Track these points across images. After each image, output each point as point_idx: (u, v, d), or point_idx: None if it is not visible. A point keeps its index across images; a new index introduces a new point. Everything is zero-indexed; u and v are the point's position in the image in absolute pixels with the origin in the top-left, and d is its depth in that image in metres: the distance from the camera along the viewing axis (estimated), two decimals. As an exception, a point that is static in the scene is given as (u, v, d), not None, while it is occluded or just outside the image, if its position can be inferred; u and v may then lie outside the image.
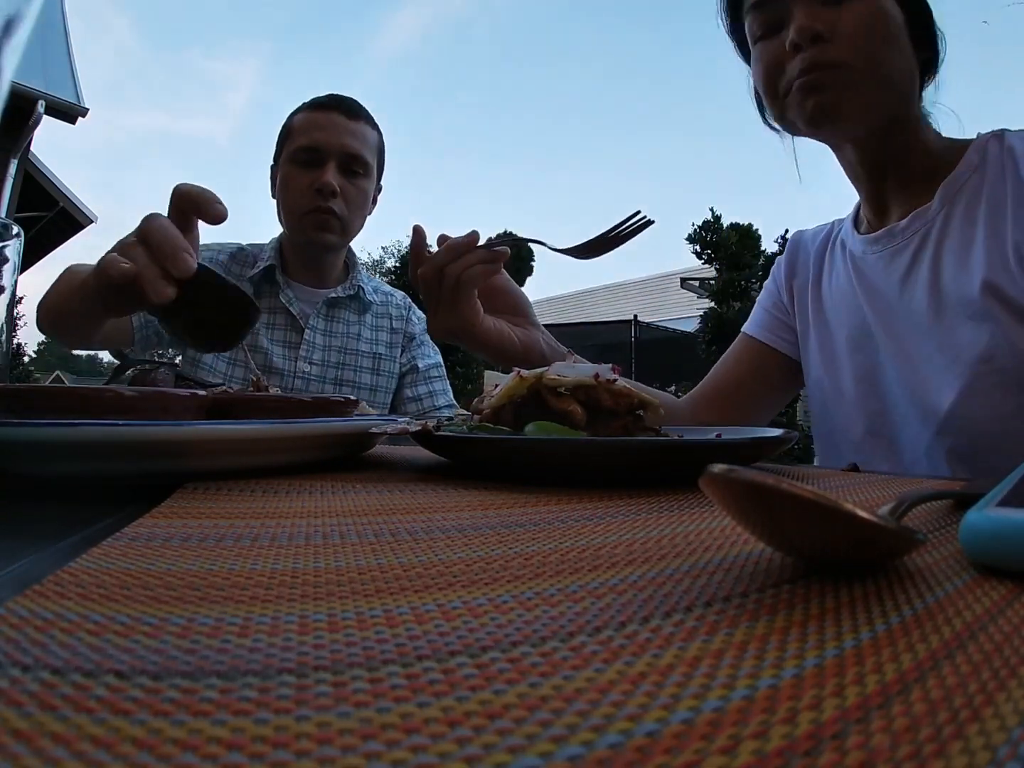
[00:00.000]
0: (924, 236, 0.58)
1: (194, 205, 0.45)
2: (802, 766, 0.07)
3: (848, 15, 0.53)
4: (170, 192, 0.46)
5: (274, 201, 0.99)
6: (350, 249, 1.05)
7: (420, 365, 1.05)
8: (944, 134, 0.61)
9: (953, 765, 0.07)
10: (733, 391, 0.72)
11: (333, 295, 0.98)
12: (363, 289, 1.01)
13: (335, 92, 0.98)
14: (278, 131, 0.99)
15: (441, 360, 1.10)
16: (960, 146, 0.59)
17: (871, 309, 0.62)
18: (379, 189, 1.03)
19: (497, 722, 0.08)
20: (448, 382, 1.10)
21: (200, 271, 0.44)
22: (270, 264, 0.97)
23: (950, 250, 0.56)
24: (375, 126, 0.98)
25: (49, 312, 0.71)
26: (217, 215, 0.46)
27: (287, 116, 0.98)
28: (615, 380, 0.37)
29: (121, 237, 0.46)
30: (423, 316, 1.09)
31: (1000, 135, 0.57)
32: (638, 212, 0.52)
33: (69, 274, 0.70)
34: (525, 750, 0.07)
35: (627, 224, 0.52)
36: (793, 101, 0.56)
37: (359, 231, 1.00)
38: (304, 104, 0.96)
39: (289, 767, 0.07)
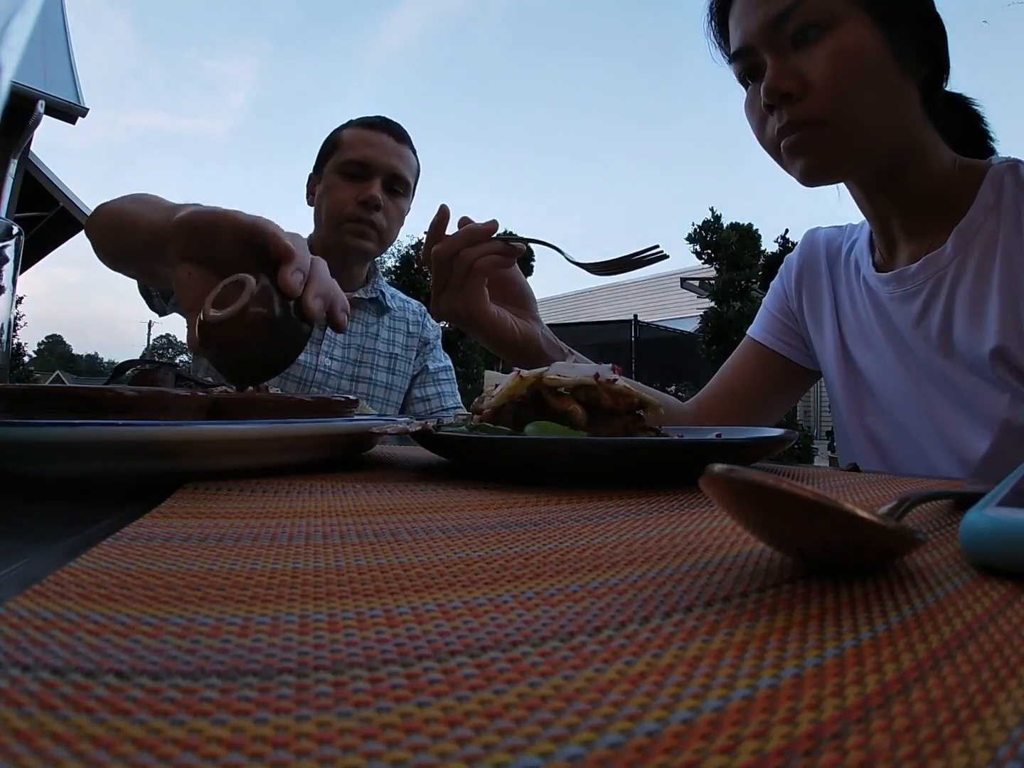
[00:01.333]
0: (937, 283, 0.55)
1: (327, 301, 0.42)
2: (802, 766, 0.07)
3: (817, 63, 0.49)
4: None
5: (309, 207, 1.04)
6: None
7: (430, 367, 1.10)
8: None
9: (953, 765, 0.07)
10: (740, 396, 0.71)
11: (356, 296, 1.03)
12: (383, 294, 1.07)
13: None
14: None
15: (451, 365, 1.15)
16: (974, 174, 0.55)
17: (891, 347, 0.60)
18: (408, 210, 1.09)
19: (497, 722, 0.08)
20: (457, 386, 1.14)
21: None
22: None
23: (962, 303, 0.53)
24: (415, 152, 1.05)
25: (103, 229, 0.62)
26: (338, 324, 0.44)
27: (333, 130, 1.04)
28: (615, 380, 0.37)
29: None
30: (436, 324, 1.15)
31: (1016, 167, 0.54)
32: (656, 246, 0.55)
33: (148, 200, 0.59)
34: (525, 750, 0.07)
35: (644, 254, 0.55)
36: (785, 160, 0.54)
37: (390, 245, 1.08)
38: (353, 121, 1.03)
39: (289, 767, 0.07)
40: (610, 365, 0.39)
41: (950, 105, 0.58)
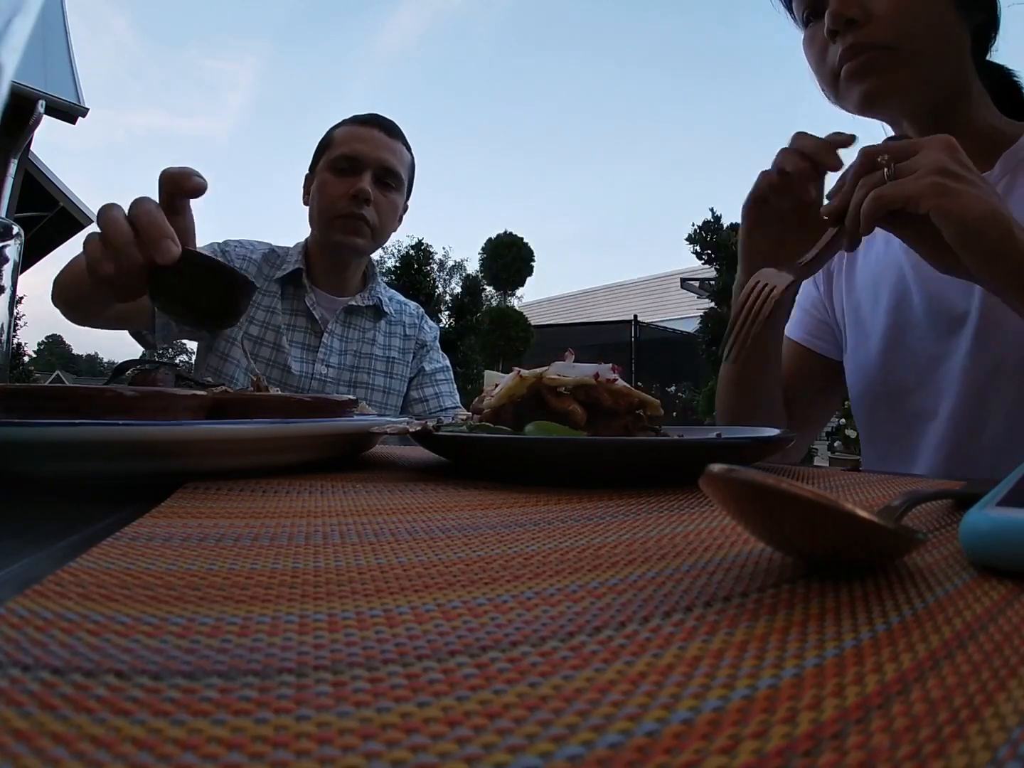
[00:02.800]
0: None
1: (174, 184, 0.48)
2: (802, 766, 0.07)
3: None
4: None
5: (305, 207, 1.03)
6: (371, 261, 1.09)
7: (427, 368, 1.09)
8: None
9: (953, 765, 0.07)
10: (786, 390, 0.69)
11: (352, 303, 1.02)
12: (381, 300, 1.06)
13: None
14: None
15: (449, 365, 1.13)
16: (1020, 128, 0.57)
17: (916, 277, 0.59)
18: (406, 208, 1.08)
19: (497, 722, 0.08)
20: (455, 386, 1.12)
21: (186, 254, 0.45)
22: (297, 268, 1.00)
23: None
24: (409, 148, 1.04)
25: (62, 289, 0.74)
26: (194, 187, 0.48)
27: (327, 129, 1.03)
28: (615, 380, 0.37)
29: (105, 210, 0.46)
30: (434, 326, 1.14)
31: None
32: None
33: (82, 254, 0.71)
34: (525, 750, 0.07)
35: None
36: (843, 87, 0.56)
37: (386, 241, 1.06)
38: (346, 119, 1.02)
39: (289, 767, 0.07)
40: (610, 365, 0.39)
41: (992, 73, 0.60)
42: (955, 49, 0.54)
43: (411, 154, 1.05)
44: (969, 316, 0.55)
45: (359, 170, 0.96)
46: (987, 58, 0.59)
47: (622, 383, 0.37)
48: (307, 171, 1.05)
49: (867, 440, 0.69)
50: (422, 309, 1.15)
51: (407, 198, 1.07)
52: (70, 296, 0.74)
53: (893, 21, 0.52)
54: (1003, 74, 0.62)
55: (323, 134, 1.04)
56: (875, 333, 0.63)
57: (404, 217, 1.09)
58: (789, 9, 0.62)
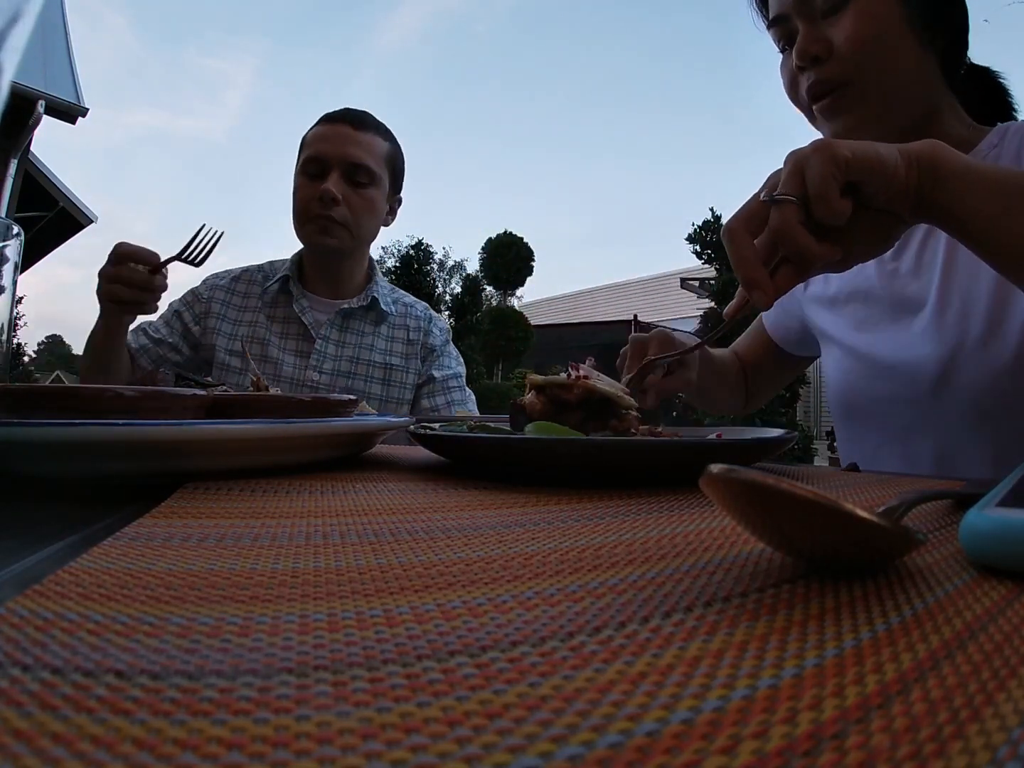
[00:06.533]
0: None
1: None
2: (802, 766, 0.07)
3: (843, 30, 0.54)
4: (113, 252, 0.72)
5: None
6: (371, 260, 1.06)
7: (437, 375, 1.04)
8: None
9: (953, 765, 0.07)
10: (748, 363, 0.79)
11: (347, 306, 0.99)
12: (378, 300, 1.01)
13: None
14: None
15: (463, 372, 1.08)
16: (984, 133, 0.59)
17: (879, 282, 0.62)
18: (398, 201, 1.04)
19: (497, 722, 0.08)
20: (468, 392, 1.07)
21: None
22: (285, 275, 0.99)
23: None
24: (387, 137, 1.00)
25: (90, 371, 0.86)
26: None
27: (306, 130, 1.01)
28: (584, 376, 0.39)
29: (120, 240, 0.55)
30: (444, 327, 1.09)
31: (1022, 123, 0.58)
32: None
33: (91, 334, 0.84)
34: (525, 750, 0.07)
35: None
36: (818, 120, 0.59)
37: (371, 238, 1.01)
38: (320, 118, 0.99)
39: (289, 767, 0.07)
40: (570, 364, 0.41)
41: (975, 77, 0.62)
42: (920, 75, 0.56)
43: (391, 142, 1.00)
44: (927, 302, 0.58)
45: (326, 171, 0.94)
46: (959, 71, 0.60)
47: (588, 381, 0.39)
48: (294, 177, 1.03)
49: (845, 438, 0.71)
50: (431, 311, 1.10)
51: (397, 190, 1.03)
52: (100, 365, 0.84)
53: (853, 57, 0.54)
54: (987, 77, 0.64)
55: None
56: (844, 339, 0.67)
57: (398, 210, 1.05)
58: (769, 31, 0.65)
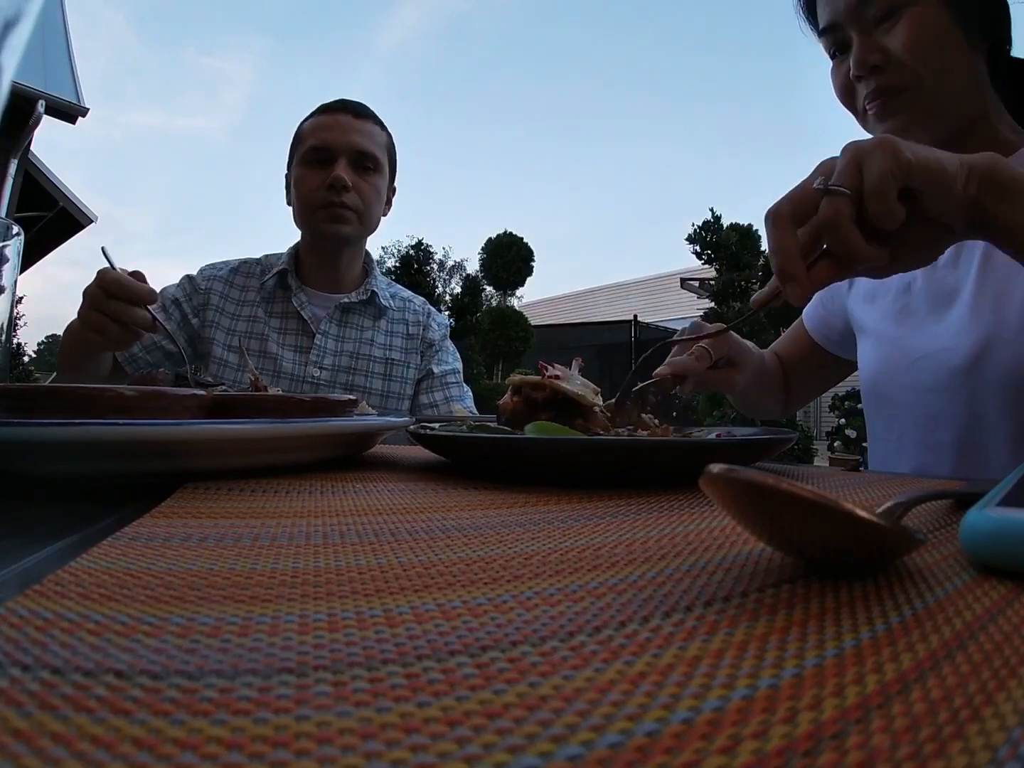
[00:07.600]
0: None
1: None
2: (802, 766, 0.07)
3: (898, 38, 0.56)
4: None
5: (289, 208, 1.00)
6: (368, 254, 1.05)
7: (436, 370, 1.03)
8: None
9: (953, 765, 0.07)
10: (787, 365, 0.79)
11: (346, 300, 0.98)
12: (377, 294, 1.00)
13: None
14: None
15: (460, 367, 1.08)
16: None
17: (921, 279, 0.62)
18: (393, 191, 1.04)
19: (497, 722, 0.08)
20: (466, 388, 1.07)
21: None
22: (283, 269, 0.98)
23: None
24: (383, 127, 1.00)
25: (64, 366, 0.83)
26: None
27: (298, 124, 1.00)
28: (556, 376, 0.40)
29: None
30: (443, 322, 1.08)
31: None
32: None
33: (68, 331, 0.78)
34: (525, 750, 0.07)
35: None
36: (869, 122, 0.60)
37: (375, 227, 1.01)
38: (313, 111, 0.98)
39: (289, 767, 0.07)
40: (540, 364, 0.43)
41: (1015, 74, 0.63)
42: (971, 80, 0.58)
43: (387, 134, 1.00)
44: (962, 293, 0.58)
45: (332, 159, 0.93)
46: (1005, 68, 0.61)
47: (556, 381, 0.40)
48: (286, 171, 1.02)
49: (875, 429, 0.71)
50: (429, 305, 1.09)
51: (392, 181, 1.03)
52: (73, 364, 0.80)
53: (911, 63, 0.56)
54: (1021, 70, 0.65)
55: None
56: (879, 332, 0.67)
57: (393, 200, 1.05)
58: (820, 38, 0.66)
